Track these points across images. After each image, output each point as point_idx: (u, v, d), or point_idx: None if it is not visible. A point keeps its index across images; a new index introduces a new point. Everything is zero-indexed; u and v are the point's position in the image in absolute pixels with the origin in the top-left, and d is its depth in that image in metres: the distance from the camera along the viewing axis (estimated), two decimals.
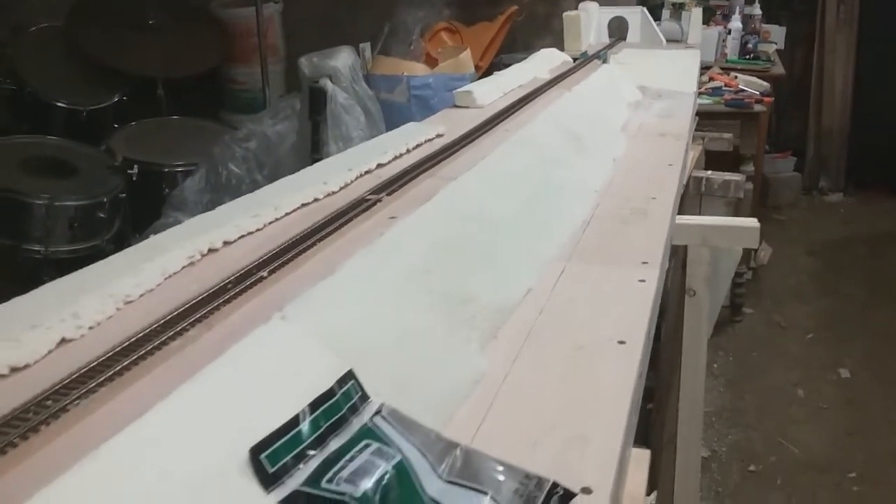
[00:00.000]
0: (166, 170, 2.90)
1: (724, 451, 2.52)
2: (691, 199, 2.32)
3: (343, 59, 2.71)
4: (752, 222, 1.53)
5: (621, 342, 0.80)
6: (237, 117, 3.60)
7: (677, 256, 1.61)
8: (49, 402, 0.48)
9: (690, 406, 1.55)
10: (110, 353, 0.54)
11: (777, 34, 4.40)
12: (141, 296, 0.65)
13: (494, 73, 2.01)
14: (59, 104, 3.11)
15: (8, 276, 2.53)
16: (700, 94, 2.91)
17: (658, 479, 1.65)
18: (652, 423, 1.88)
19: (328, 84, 2.60)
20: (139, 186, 2.79)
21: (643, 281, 0.96)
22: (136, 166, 2.77)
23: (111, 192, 2.63)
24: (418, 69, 3.08)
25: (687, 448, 1.57)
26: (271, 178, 2.76)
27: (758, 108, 3.27)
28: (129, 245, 2.54)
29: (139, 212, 2.76)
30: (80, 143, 2.92)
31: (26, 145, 2.78)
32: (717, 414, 2.69)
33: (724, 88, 3.37)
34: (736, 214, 2.77)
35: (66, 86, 3.17)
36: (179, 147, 3.03)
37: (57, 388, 0.50)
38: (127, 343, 0.55)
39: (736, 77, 3.49)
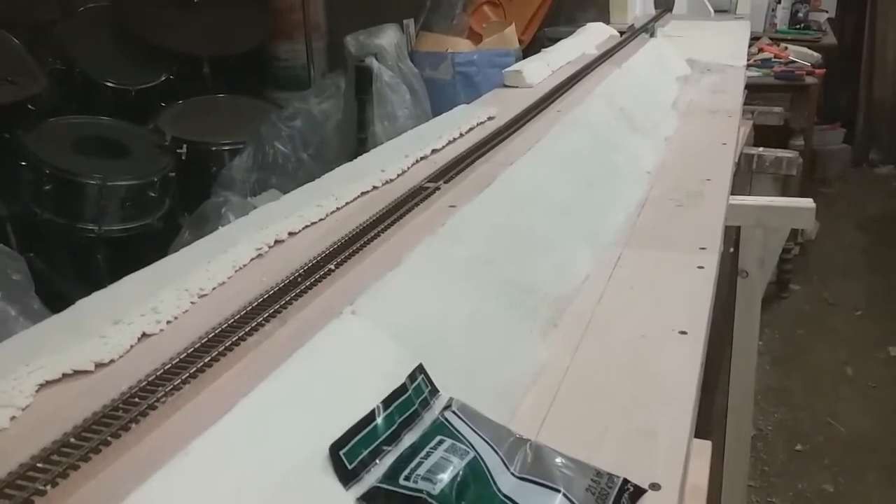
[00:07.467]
0: (213, 149, 2.91)
1: (770, 430, 2.50)
2: (742, 176, 2.28)
3: (388, 37, 2.70)
4: (808, 202, 1.50)
5: (683, 332, 0.80)
6: (281, 94, 3.62)
7: (727, 236, 1.58)
8: (137, 400, 0.50)
9: (741, 389, 1.54)
10: (191, 350, 0.55)
11: (828, 2, 4.27)
12: (214, 289, 0.66)
13: (541, 49, 1.98)
14: (108, 84, 3.14)
15: (63, 255, 2.59)
16: (749, 66, 2.84)
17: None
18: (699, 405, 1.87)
19: (374, 62, 2.60)
20: (187, 165, 2.81)
21: (702, 268, 0.95)
22: (185, 146, 2.79)
23: (162, 172, 2.66)
24: (462, 45, 3.06)
25: (737, 431, 1.56)
26: (317, 157, 2.79)
27: (809, 80, 3.19)
28: (179, 224, 2.56)
29: (187, 190, 2.79)
30: (130, 122, 2.95)
31: (79, 125, 2.82)
32: (763, 392, 2.65)
33: (773, 60, 3.28)
34: (784, 190, 2.71)
35: (114, 65, 3.20)
36: (226, 125, 3.05)
37: (144, 384, 0.51)
38: (206, 339, 0.57)
39: (786, 48, 3.41)
